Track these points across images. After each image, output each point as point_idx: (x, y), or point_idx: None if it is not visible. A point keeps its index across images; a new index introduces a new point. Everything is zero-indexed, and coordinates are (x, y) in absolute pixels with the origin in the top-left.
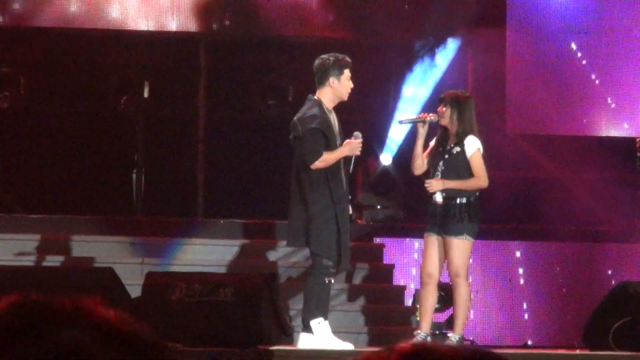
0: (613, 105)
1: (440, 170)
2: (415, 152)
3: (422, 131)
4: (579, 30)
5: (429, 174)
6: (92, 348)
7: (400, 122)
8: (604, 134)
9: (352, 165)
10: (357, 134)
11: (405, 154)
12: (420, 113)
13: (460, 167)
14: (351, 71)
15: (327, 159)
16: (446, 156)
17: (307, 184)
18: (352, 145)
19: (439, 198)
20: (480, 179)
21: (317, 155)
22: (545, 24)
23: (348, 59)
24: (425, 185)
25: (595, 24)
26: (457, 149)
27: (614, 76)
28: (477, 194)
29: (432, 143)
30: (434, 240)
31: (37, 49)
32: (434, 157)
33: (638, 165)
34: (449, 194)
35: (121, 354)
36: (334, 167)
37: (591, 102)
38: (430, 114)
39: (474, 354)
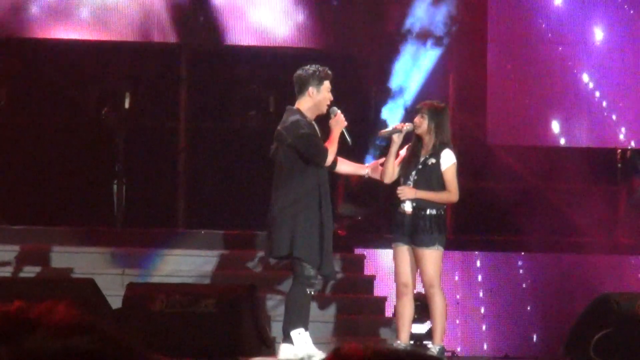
0: (594, 117)
1: (412, 179)
2: (387, 160)
3: (397, 140)
4: (560, 41)
5: (398, 182)
6: (55, 352)
7: (379, 136)
8: (584, 145)
9: (348, 138)
10: (332, 109)
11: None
12: (397, 124)
13: (432, 179)
14: (331, 83)
15: (333, 148)
16: (420, 166)
17: (299, 190)
18: (336, 121)
19: (408, 208)
20: (453, 193)
21: (325, 152)
22: (526, 35)
23: (328, 70)
24: (398, 191)
25: (576, 35)
26: (433, 160)
27: (596, 88)
28: (445, 206)
29: (403, 152)
30: (404, 251)
31: (17, 59)
32: (407, 166)
33: (619, 177)
34: (419, 205)
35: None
36: (324, 175)
37: (572, 113)
38: (406, 124)
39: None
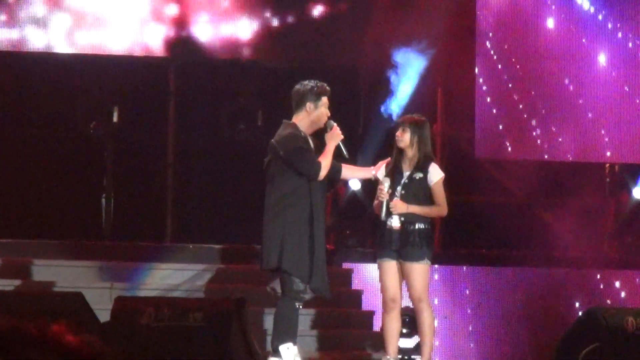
0: (582, 131)
1: (399, 194)
2: (381, 204)
3: (385, 190)
4: (548, 56)
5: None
6: None
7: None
8: (572, 160)
9: (344, 151)
10: (329, 122)
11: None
12: (380, 192)
13: (420, 193)
14: (329, 99)
15: (326, 162)
16: (406, 181)
17: (291, 203)
18: (333, 135)
19: (396, 223)
20: (442, 207)
21: (318, 166)
22: (514, 49)
23: (327, 87)
24: (390, 205)
25: (565, 50)
26: (420, 174)
27: (584, 102)
28: (430, 220)
29: (383, 168)
30: (392, 265)
31: (5, 73)
32: (391, 181)
33: (607, 191)
34: (408, 219)
35: None
36: (319, 189)
37: (560, 128)
38: (383, 187)
39: None
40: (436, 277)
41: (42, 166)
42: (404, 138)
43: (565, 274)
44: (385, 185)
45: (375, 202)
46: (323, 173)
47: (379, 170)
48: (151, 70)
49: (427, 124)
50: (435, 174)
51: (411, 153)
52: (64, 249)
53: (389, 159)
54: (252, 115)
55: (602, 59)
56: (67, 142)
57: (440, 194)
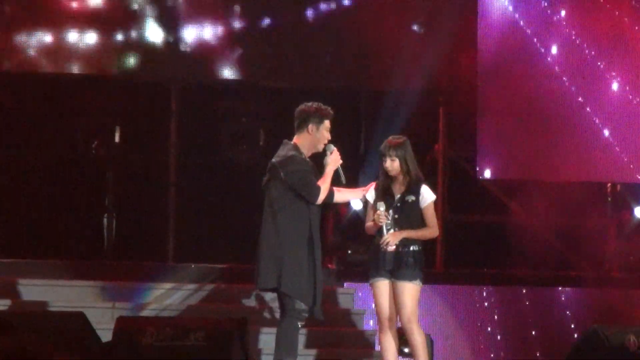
0: (583, 151)
1: (391, 218)
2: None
3: (385, 220)
4: (549, 75)
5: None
6: None
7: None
8: (574, 179)
9: (342, 176)
10: (329, 146)
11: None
12: (379, 217)
13: (413, 216)
14: (331, 123)
15: (325, 186)
16: (398, 204)
17: (287, 225)
18: (332, 159)
19: (391, 246)
20: (434, 229)
21: (317, 190)
22: (516, 69)
23: (330, 110)
24: (382, 244)
25: (567, 71)
26: (412, 197)
27: (585, 122)
28: (422, 242)
29: (373, 189)
30: (385, 285)
31: (7, 93)
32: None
33: (609, 211)
34: (402, 241)
35: None
36: (317, 212)
37: (561, 148)
38: (382, 217)
39: None
40: (436, 296)
41: (44, 186)
42: (394, 166)
43: (567, 293)
44: (381, 209)
45: (369, 224)
46: (322, 197)
47: (369, 192)
48: (153, 91)
49: (408, 142)
50: (428, 197)
51: (402, 177)
52: (65, 269)
53: (376, 182)
54: (254, 136)
55: (606, 76)
56: (69, 162)
57: (431, 216)
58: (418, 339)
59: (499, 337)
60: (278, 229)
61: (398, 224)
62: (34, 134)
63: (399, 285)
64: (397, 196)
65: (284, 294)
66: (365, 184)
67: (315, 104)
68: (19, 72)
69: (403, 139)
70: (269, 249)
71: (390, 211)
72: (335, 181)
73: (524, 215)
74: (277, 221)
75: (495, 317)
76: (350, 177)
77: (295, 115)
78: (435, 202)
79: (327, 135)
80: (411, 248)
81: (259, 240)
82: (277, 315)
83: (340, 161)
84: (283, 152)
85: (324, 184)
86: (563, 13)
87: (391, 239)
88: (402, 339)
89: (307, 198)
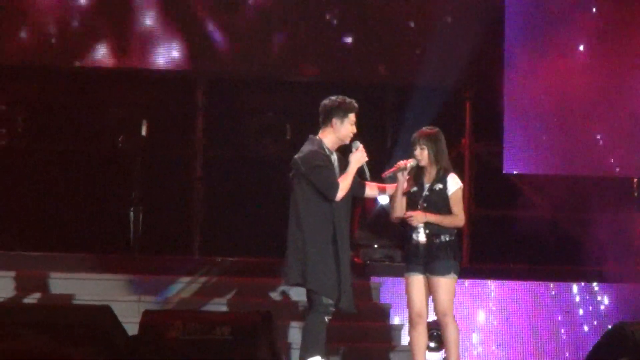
0: (610, 146)
1: (422, 207)
2: (395, 197)
3: (402, 178)
4: (577, 69)
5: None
6: None
7: (384, 175)
8: (601, 174)
9: (367, 173)
10: (356, 143)
11: None
12: (399, 161)
13: (440, 204)
14: (356, 116)
15: (345, 184)
16: (426, 193)
17: (308, 220)
18: (357, 156)
19: (421, 237)
20: (459, 217)
21: (336, 186)
22: (542, 64)
23: (355, 103)
24: (407, 217)
25: (589, 66)
26: (440, 185)
27: (610, 117)
28: (455, 232)
29: (405, 184)
30: (419, 279)
31: (34, 86)
32: (412, 195)
33: (636, 205)
34: (433, 232)
35: None
36: (343, 206)
37: (588, 142)
38: (410, 160)
39: None
40: (463, 291)
41: (71, 179)
42: (423, 155)
43: (594, 288)
44: (409, 165)
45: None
46: (340, 194)
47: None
48: (180, 84)
49: (441, 133)
50: (453, 184)
51: (431, 167)
52: (92, 263)
53: (405, 161)
54: (281, 130)
55: (628, 73)
56: (95, 156)
57: (457, 204)
58: (452, 333)
59: (525, 331)
60: (302, 224)
61: (426, 211)
62: (61, 128)
63: (433, 280)
64: (427, 186)
65: (310, 289)
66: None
67: (339, 98)
68: (45, 66)
69: (435, 130)
70: (294, 245)
71: (420, 200)
72: (360, 177)
73: (550, 209)
74: (301, 217)
75: (522, 311)
76: (377, 171)
77: (320, 110)
78: (462, 195)
79: (353, 129)
80: (442, 238)
81: (287, 235)
82: (305, 309)
83: (366, 158)
84: (306, 147)
85: (344, 180)
86: (594, 9)
87: (417, 217)
88: (430, 334)
89: (325, 194)
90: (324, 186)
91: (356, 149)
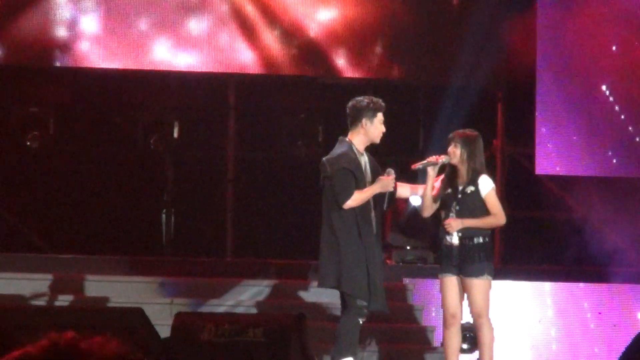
0: None
1: (454, 210)
2: (425, 194)
3: (432, 173)
4: (609, 70)
5: (439, 215)
6: None
7: (413, 167)
8: (632, 175)
9: (386, 203)
10: (390, 170)
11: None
12: (431, 156)
13: (474, 207)
14: (384, 115)
15: (359, 197)
16: (459, 196)
17: (338, 224)
18: (384, 182)
19: (455, 240)
20: (498, 216)
21: (349, 195)
22: (574, 65)
23: (382, 102)
24: (445, 225)
25: (629, 64)
26: (471, 188)
27: None
28: (490, 233)
29: (437, 184)
30: (453, 281)
31: (66, 88)
32: (445, 198)
33: None
34: (466, 234)
35: None
36: (364, 208)
37: (621, 144)
38: (442, 156)
39: None
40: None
41: (102, 181)
42: (456, 154)
43: (626, 290)
44: (441, 161)
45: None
46: (350, 204)
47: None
48: (212, 86)
49: (479, 138)
50: (486, 185)
51: (463, 168)
52: (124, 265)
53: (437, 157)
54: (313, 131)
55: None
56: (127, 157)
57: (493, 203)
58: (486, 336)
59: (556, 332)
60: (334, 227)
61: (460, 216)
62: (93, 130)
63: (467, 282)
64: (460, 188)
65: (344, 292)
66: (422, 179)
67: (366, 98)
68: (77, 68)
69: (474, 133)
70: (326, 247)
71: (453, 203)
72: (377, 202)
73: (582, 211)
74: (331, 219)
75: (554, 312)
76: (409, 172)
77: (348, 112)
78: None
79: (382, 128)
80: (475, 241)
81: (319, 237)
82: (337, 311)
83: (391, 189)
84: (337, 150)
85: (361, 195)
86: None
87: (453, 224)
88: (463, 335)
89: (336, 198)
90: (338, 189)
91: (387, 175)
